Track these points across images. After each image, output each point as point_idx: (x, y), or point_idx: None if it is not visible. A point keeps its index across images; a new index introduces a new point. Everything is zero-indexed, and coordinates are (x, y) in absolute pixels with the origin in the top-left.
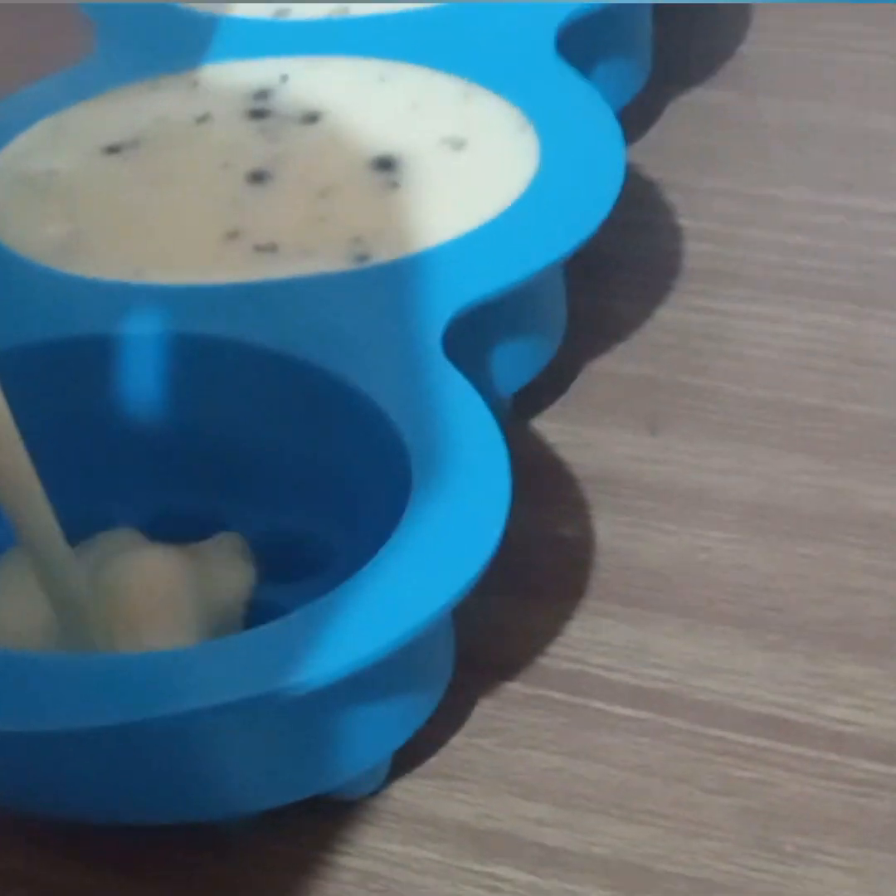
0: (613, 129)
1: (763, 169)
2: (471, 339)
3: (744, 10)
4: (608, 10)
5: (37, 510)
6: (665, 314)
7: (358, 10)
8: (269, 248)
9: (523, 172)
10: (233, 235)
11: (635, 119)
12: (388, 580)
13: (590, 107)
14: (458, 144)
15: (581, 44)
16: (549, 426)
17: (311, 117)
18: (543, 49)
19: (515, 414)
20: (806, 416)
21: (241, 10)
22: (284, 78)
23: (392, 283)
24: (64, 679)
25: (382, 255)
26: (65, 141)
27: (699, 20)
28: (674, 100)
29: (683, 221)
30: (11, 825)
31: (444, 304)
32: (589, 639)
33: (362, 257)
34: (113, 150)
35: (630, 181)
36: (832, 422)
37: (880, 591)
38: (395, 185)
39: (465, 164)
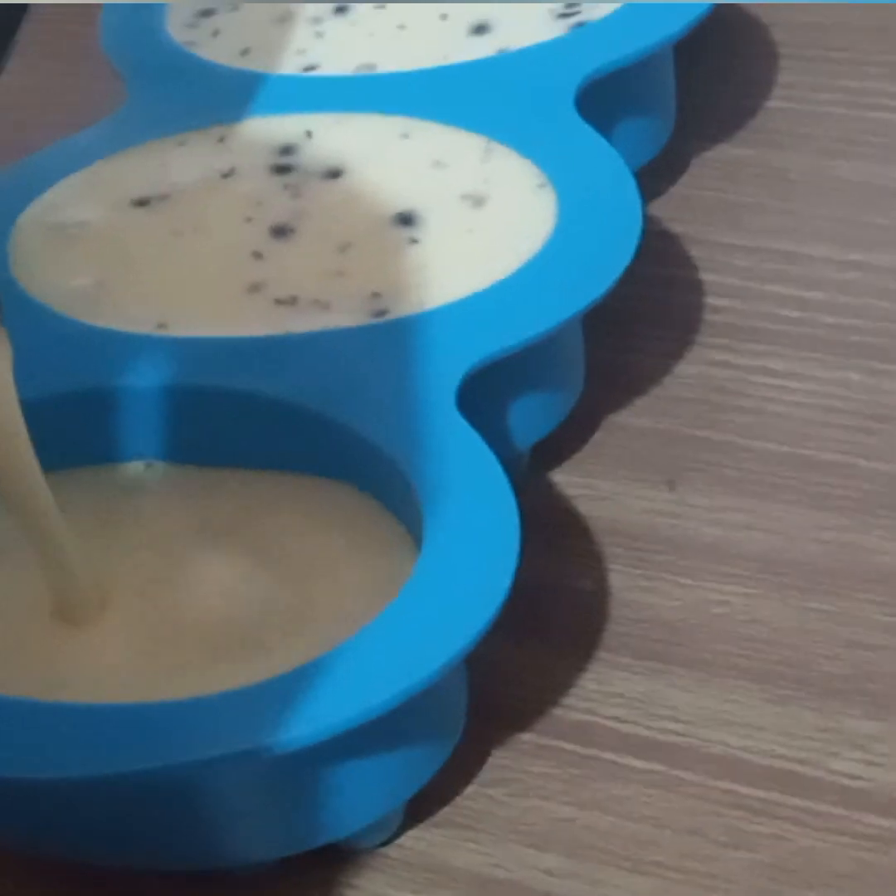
0: (631, 187)
1: (785, 225)
2: (488, 392)
3: (769, 65)
4: (630, 67)
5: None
6: (684, 369)
7: (384, 67)
8: (290, 302)
9: (541, 229)
10: (255, 288)
11: (659, 173)
12: (398, 631)
13: (608, 165)
14: (477, 201)
15: (604, 100)
16: (567, 479)
17: (335, 173)
18: (563, 107)
19: (533, 466)
20: (822, 472)
21: (268, 67)
22: (309, 134)
23: (408, 337)
24: (60, 728)
25: (400, 309)
26: (94, 193)
27: (723, 75)
28: (698, 154)
29: (705, 276)
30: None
31: (458, 359)
32: (602, 690)
33: (380, 312)
34: (141, 203)
35: (652, 235)
36: (849, 478)
37: (892, 647)
38: (414, 241)
39: (484, 221)
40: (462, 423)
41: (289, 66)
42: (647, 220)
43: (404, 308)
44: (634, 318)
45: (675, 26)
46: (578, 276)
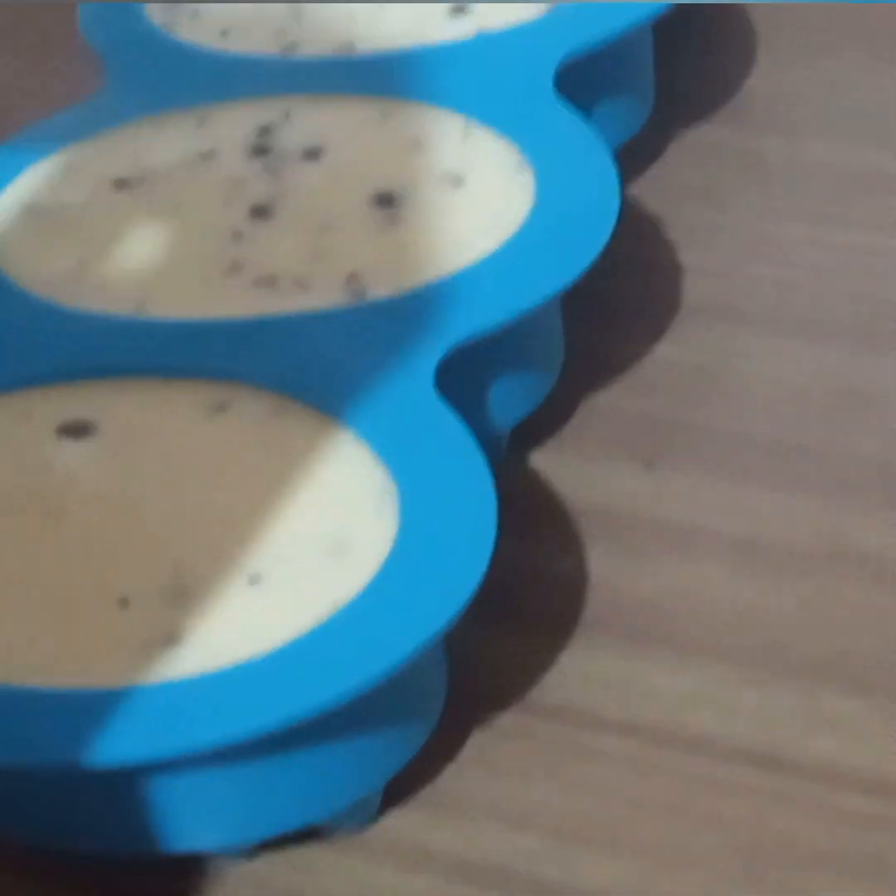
0: (609, 168)
1: (763, 206)
2: (467, 374)
3: (747, 47)
4: (609, 48)
5: None
6: (663, 350)
7: (363, 47)
8: (268, 283)
9: (520, 210)
10: (234, 269)
11: (637, 155)
12: (372, 613)
13: (587, 145)
14: (456, 182)
15: (582, 81)
16: (546, 461)
17: (313, 154)
18: (542, 87)
19: (511, 448)
20: (801, 454)
21: (247, 48)
22: (287, 115)
23: (387, 318)
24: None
25: (379, 290)
26: (73, 176)
27: (701, 57)
28: (675, 136)
29: (682, 258)
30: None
31: (437, 340)
32: (580, 672)
33: (359, 292)
34: (120, 185)
35: (630, 217)
36: (826, 460)
37: (871, 628)
38: (394, 222)
39: (462, 202)
40: (440, 405)
41: (268, 47)
42: (626, 201)
43: (383, 289)
44: (613, 300)
45: (654, 7)
46: (556, 256)
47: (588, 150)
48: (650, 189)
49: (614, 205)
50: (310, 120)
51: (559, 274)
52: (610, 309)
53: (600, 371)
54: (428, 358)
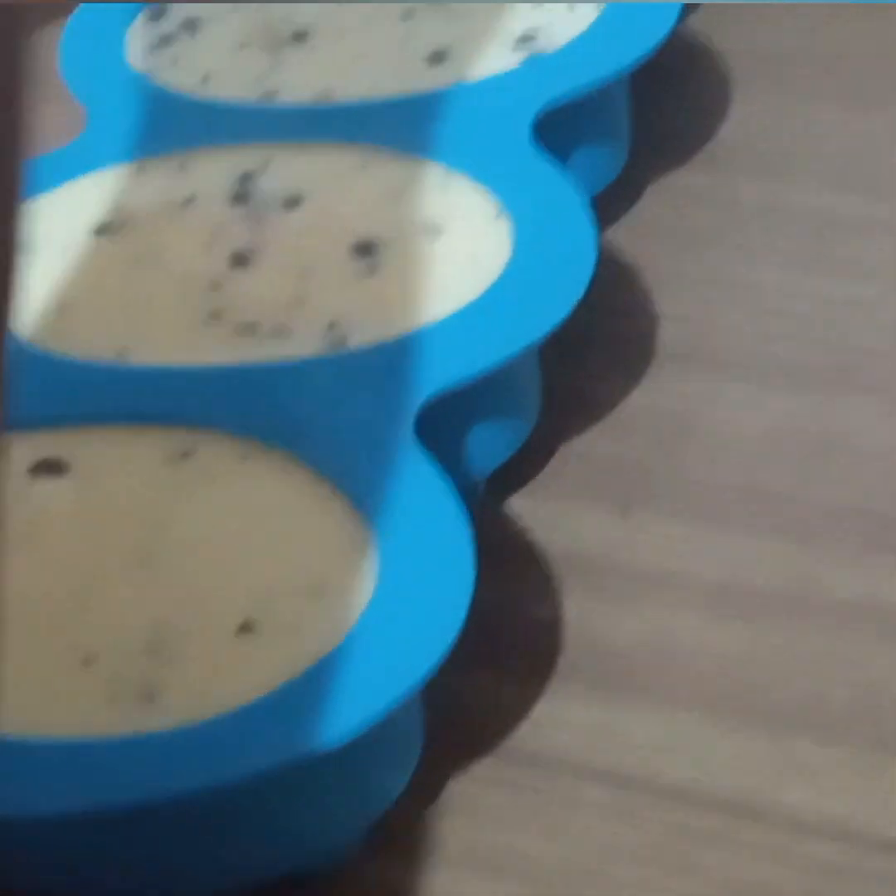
0: (586, 219)
1: (739, 252)
2: (445, 421)
3: (723, 93)
4: (586, 96)
5: None
6: (639, 397)
7: (342, 94)
8: (249, 331)
9: (498, 260)
10: (214, 316)
11: (614, 201)
12: (352, 664)
13: (564, 196)
14: (435, 232)
15: (561, 128)
16: (522, 505)
17: (293, 202)
18: (520, 137)
19: (488, 493)
20: (775, 500)
21: (228, 94)
22: (268, 162)
23: (366, 367)
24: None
25: (358, 339)
26: (54, 220)
27: (678, 102)
28: (652, 182)
29: (659, 304)
30: None
31: (416, 389)
32: (556, 718)
33: (339, 341)
34: (101, 230)
35: (607, 263)
36: (801, 507)
37: (842, 676)
38: (373, 271)
39: (442, 251)
40: (418, 454)
41: (248, 93)
42: (602, 247)
43: (363, 337)
44: (590, 346)
45: (631, 56)
46: (533, 306)
47: (565, 199)
48: (627, 234)
49: (591, 256)
50: (290, 168)
51: (537, 324)
52: (586, 354)
53: (577, 416)
54: (407, 407)
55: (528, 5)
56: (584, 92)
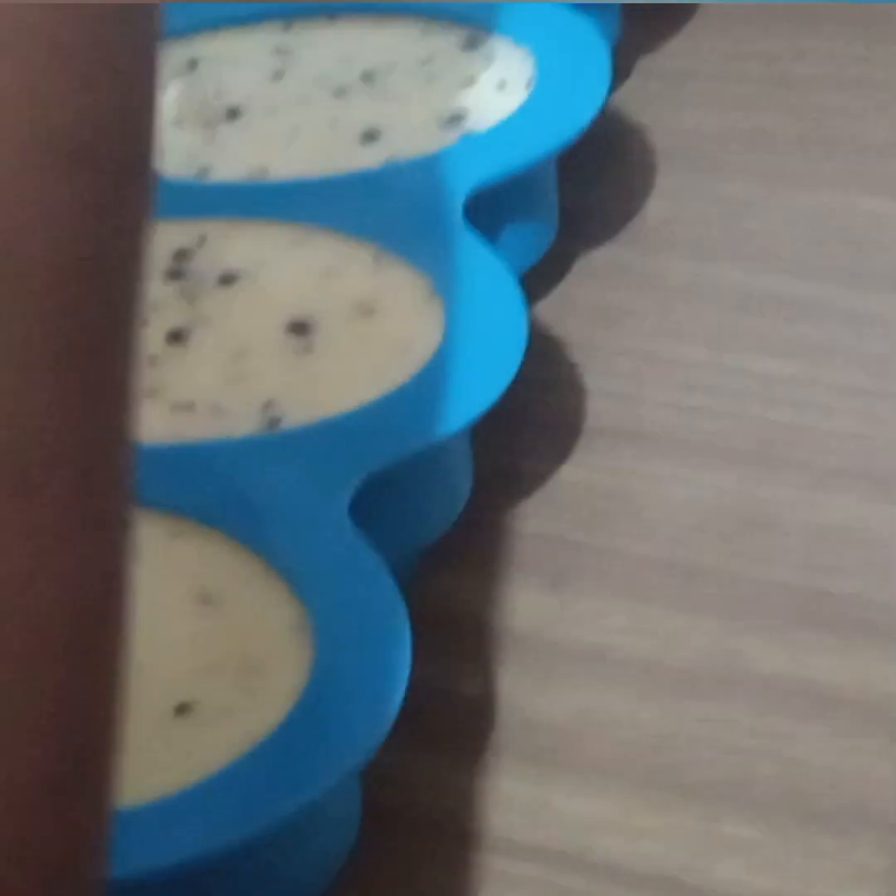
0: (516, 299)
1: (664, 328)
2: (380, 500)
3: (648, 169)
4: (516, 176)
5: None
6: (568, 472)
7: (276, 172)
8: (186, 408)
9: (430, 340)
10: (151, 394)
11: (542, 277)
12: (291, 746)
13: (494, 275)
14: (368, 311)
15: (491, 206)
16: (455, 582)
17: (229, 279)
18: (451, 217)
19: (421, 569)
20: (700, 576)
21: (163, 171)
22: (203, 239)
23: (301, 446)
24: None
25: (294, 418)
26: None
27: (604, 178)
28: (580, 257)
29: (587, 379)
30: None
31: (351, 468)
32: (490, 795)
33: (275, 420)
34: None
35: (537, 338)
36: (726, 582)
37: (769, 751)
38: (308, 350)
39: (375, 331)
40: (353, 532)
41: (183, 170)
42: (531, 322)
43: (298, 417)
44: (520, 421)
45: (560, 137)
46: (466, 387)
47: (496, 279)
48: (555, 310)
49: (521, 338)
50: (225, 245)
51: (469, 405)
52: (516, 429)
53: (508, 492)
54: (342, 486)
55: (458, 85)
56: (514, 174)
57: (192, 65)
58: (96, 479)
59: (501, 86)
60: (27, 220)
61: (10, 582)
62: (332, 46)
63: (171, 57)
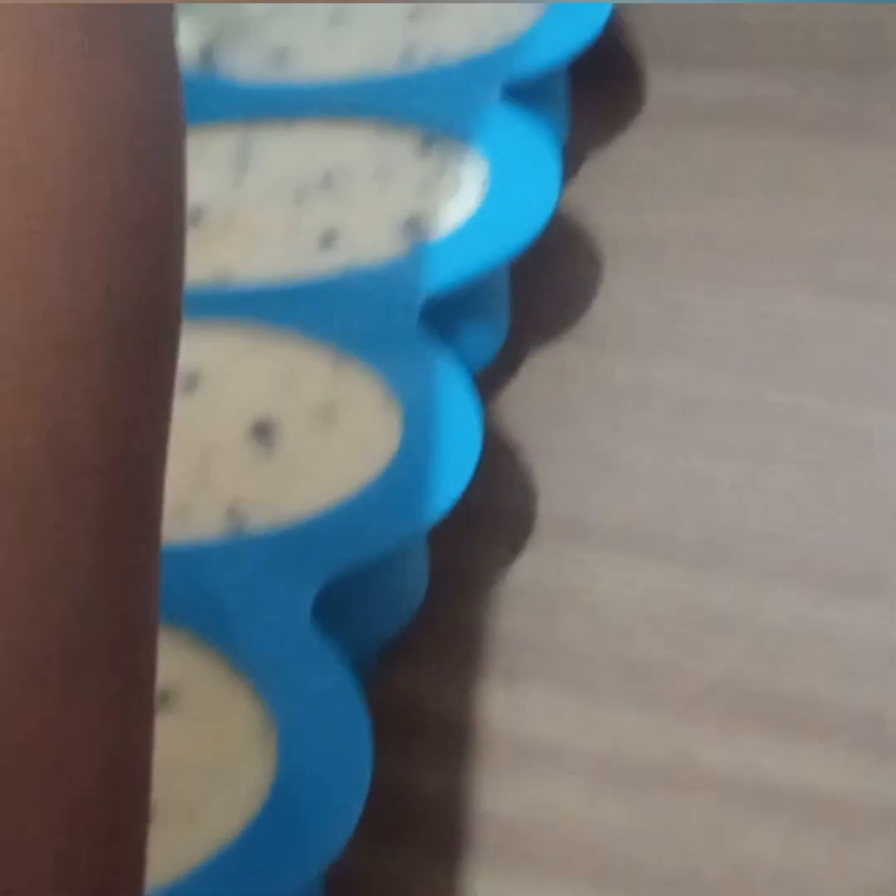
0: (471, 402)
1: (612, 428)
2: (341, 601)
3: (595, 271)
4: (470, 283)
5: None
6: (521, 569)
7: (237, 275)
8: None
9: (388, 444)
10: None
11: (493, 375)
12: (255, 851)
13: (449, 379)
14: (327, 416)
15: (446, 310)
16: (414, 678)
17: (191, 383)
18: (407, 322)
19: (382, 665)
20: (650, 672)
21: None
22: None
23: (266, 550)
24: None
25: (258, 521)
26: None
27: (553, 279)
28: (530, 356)
29: (537, 477)
30: None
31: (314, 571)
32: (449, 890)
33: (238, 525)
34: None
35: (488, 438)
36: (675, 680)
37: (719, 847)
38: (270, 454)
39: (334, 436)
40: (316, 636)
41: None
42: (484, 422)
43: (262, 520)
44: (474, 518)
45: (514, 244)
46: (424, 489)
47: (451, 382)
48: (506, 409)
49: (477, 441)
50: (189, 349)
51: (427, 509)
52: (470, 526)
53: (463, 588)
54: (305, 589)
55: (414, 189)
56: (469, 280)
57: None
58: (137, 641)
59: (455, 190)
60: (68, 402)
61: (56, 752)
62: (291, 149)
63: None
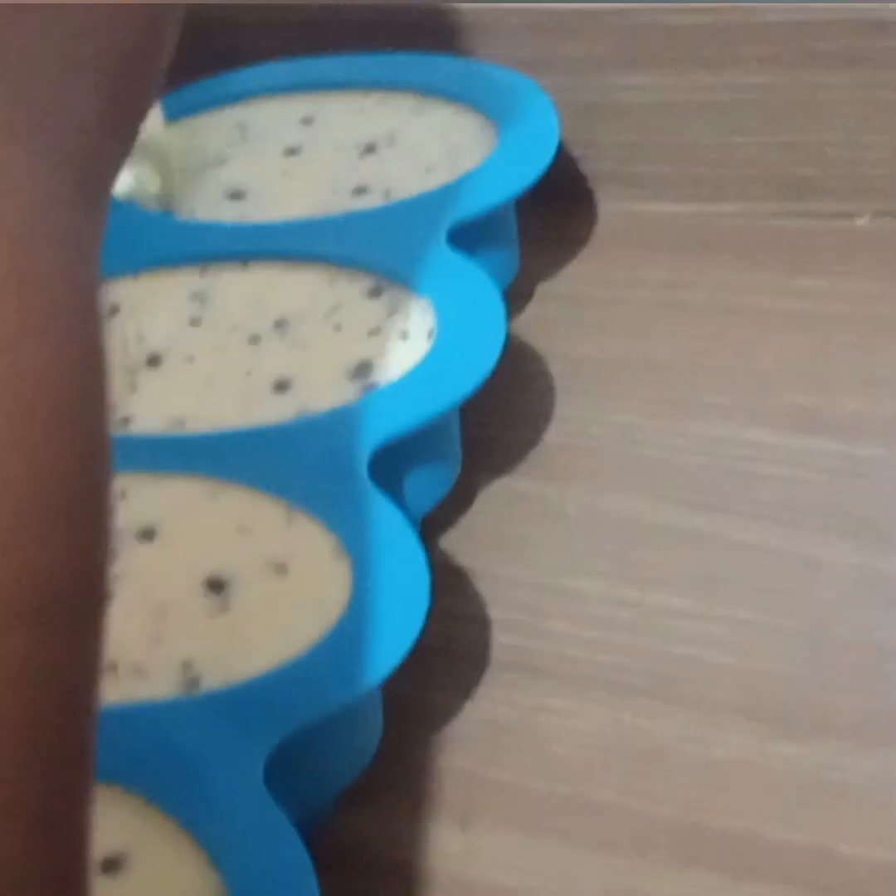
0: (419, 555)
1: (563, 560)
2: (294, 752)
3: (546, 398)
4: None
5: None
6: (474, 707)
7: (192, 422)
8: (109, 668)
9: (340, 597)
10: None
11: (446, 508)
12: None
13: (398, 530)
14: (280, 569)
15: (397, 453)
16: (369, 821)
17: (148, 534)
18: (357, 473)
19: (337, 808)
20: (600, 812)
21: None
22: (123, 493)
23: (219, 710)
24: None
25: (212, 679)
26: None
27: (504, 408)
28: (482, 488)
29: (492, 611)
30: None
31: (268, 731)
32: None
33: (193, 681)
34: None
35: (441, 571)
36: (625, 819)
37: None
38: (224, 608)
39: (287, 590)
40: (266, 798)
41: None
42: (437, 555)
43: (216, 677)
44: (427, 654)
45: (462, 390)
46: (376, 644)
47: (399, 535)
48: (459, 541)
49: (424, 593)
50: (144, 499)
51: (380, 662)
52: (423, 663)
53: (418, 726)
54: (258, 749)
55: (364, 335)
56: (420, 426)
57: (114, 310)
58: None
59: (404, 336)
60: None
61: None
62: (245, 292)
63: None
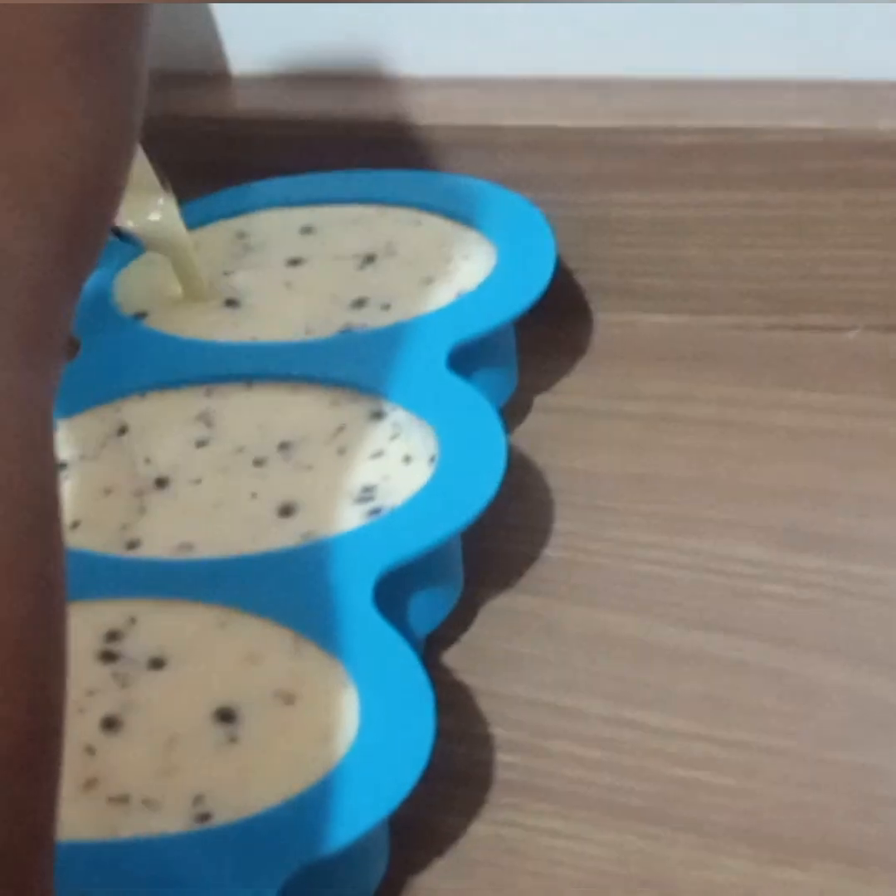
0: (425, 686)
1: (563, 679)
2: (305, 886)
3: (546, 513)
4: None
5: None
6: (477, 828)
7: (201, 546)
8: (121, 801)
9: (347, 728)
10: (89, 786)
11: (447, 625)
12: None
13: (402, 660)
14: (288, 699)
15: (401, 578)
16: None
17: (158, 663)
18: (362, 601)
19: None
20: None
21: (94, 544)
22: (133, 620)
23: (230, 844)
24: None
25: (222, 814)
26: None
27: (504, 522)
28: (483, 605)
29: (494, 730)
30: None
31: (279, 866)
32: None
33: (204, 815)
34: None
35: (444, 689)
36: None
37: None
38: (233, 739)
39: (295, 720)
40: None
41: (114, 543)
42: (438, 673)
43: (226, 812)
44: (431, 775)
45: (469, 514)
46: (383, 776)
47: (405, 665)
48: (460, 658)
49: (430, 724)
50: (154, 626)
51: (386, 796)
52: (428, 781)
53: (423, 849)
54: (268, 884)
55: (367, 458)
56: (424, 552)
57: (123, 430)
58: None
59: (407, 460)
60: None
61: None
62: (250, 413)
63: (102, 422)
